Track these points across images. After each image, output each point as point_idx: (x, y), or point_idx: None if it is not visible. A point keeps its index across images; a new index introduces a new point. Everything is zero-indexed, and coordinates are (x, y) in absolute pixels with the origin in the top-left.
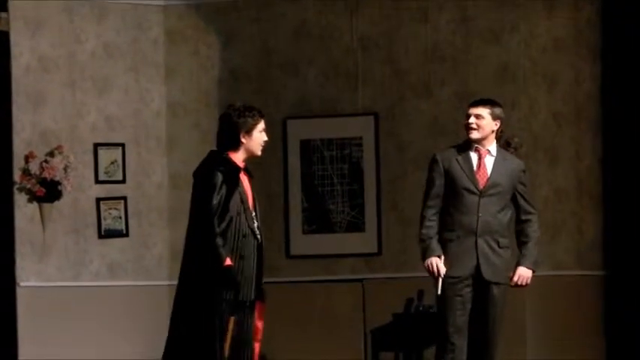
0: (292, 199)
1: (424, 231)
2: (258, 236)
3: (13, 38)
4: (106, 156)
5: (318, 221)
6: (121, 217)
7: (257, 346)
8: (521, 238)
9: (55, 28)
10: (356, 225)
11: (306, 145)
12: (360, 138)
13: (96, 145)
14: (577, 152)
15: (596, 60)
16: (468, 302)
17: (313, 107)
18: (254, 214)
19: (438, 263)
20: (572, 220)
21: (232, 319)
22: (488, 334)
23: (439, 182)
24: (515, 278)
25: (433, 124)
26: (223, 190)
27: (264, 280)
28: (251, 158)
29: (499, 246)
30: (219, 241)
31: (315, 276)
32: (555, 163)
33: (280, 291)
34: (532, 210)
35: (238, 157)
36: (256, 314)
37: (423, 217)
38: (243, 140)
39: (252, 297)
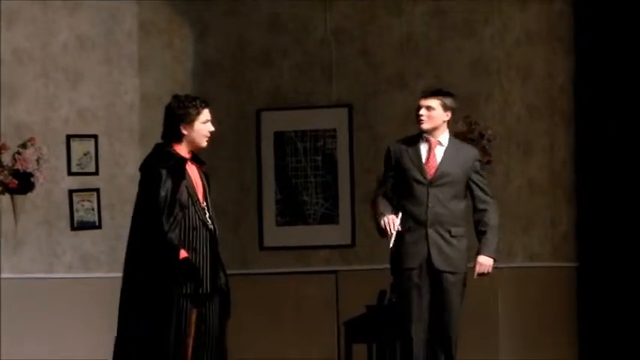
0: (266, 191)
1: (376, 205)
2: (211, 227)
3: None
4: (78, 148)
5: (291, 213)
6: (93, 209)
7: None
8: (479, 228)
9: (28, 20)
10: (329, 217)
11: (279, 137)
12: (334, 130)
13: (69, 137)
14: (551, 145)
15: (569, 53)
16: (425, 293)
17: (287, 99)
18: (205, 204)
19: (390, 217)
20: (546, 212)
21: (195, 311)
22: (445, 324)
23: (390, 174)
24: (477, 267)
25: (407, 116)
26: (168, 185)
27: (238, 271)
28: (197, 149)
29: (451, 235)
30: (172, 236)
31: (288, 267)
32: (529, 155)
33: (253, 282)
34: (488, 199)
35: (183, 149)
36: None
37: (372, 200)
38: (184, 132)
39: (209, 289)
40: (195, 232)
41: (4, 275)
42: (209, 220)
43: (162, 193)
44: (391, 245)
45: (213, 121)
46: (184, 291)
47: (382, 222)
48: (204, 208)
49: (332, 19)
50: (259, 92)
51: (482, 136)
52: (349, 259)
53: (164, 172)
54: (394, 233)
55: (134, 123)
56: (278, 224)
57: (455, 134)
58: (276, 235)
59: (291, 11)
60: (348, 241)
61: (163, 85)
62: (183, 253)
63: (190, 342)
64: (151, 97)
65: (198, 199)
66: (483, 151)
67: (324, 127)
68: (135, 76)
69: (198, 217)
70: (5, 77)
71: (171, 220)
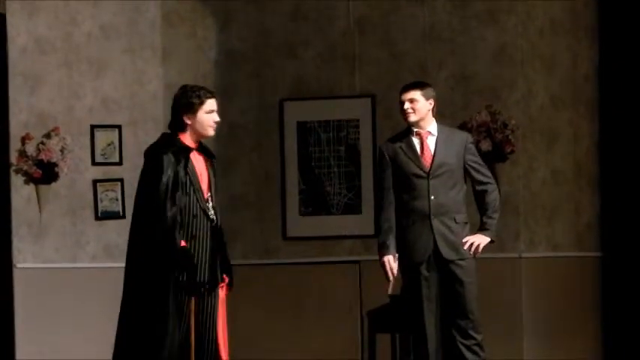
0: (289, 181)
1: (383, 224)
2: (212, 217)
3: (10, 20)
4: (102, 138)
5: (314, 203)
6: (117, 199)
7: (221, 331)
8: (481, 210)
9: (51, 9)
10: (353, 207)
11: (302, 127)
12: (357, 120)
13: (92, 127)
14: (574, 134)
15: (593, 42)
16: (434, 285)
17: (310, 89)
18: (209, 194)
19: (391, 263)
20: (570, 202)
21: (193, 300)
22: (463, 313)
23: (388, 173)
24: (471, 238)
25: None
26: (170, 172)
27: (261, 261)
28: (203, 139)
29: (455, 222)
30: (171, 223)
31: (311, 257)
32: (553, 145)
33: (277, 272)
34: (486, 180)
35: (188, 138)
36: (220, 299)
37: (380, 208)
38: (187, 121)
39: (207, 279)
40: (195, 220)
41: (27, 265)
42: (211, 210)
43: (164, 180)
44: (390, 292)
45: (219, 112)
46: (180, 279)
47: (382, 262)
48: (207, 199)
49: (355, 8)
50: (282, 82)
51: (505, 125)
52: (372, 249)
53: (166, 158)
54: (392, 281)
55: (158, 112)
56: (301, 214)
57: (478, 124)
58: (300, 225)
59: (313, 1)
60: (371, 232)
61: (186, 74)
62: (182, 243)
63: (191, 330)
64: (174, 87)
65: (200, 188)
66: (506, 140)
67: (347, 117)
68: (158, 65)
69: (200, 206)
70: (28, 67)
71: (169, 205)
